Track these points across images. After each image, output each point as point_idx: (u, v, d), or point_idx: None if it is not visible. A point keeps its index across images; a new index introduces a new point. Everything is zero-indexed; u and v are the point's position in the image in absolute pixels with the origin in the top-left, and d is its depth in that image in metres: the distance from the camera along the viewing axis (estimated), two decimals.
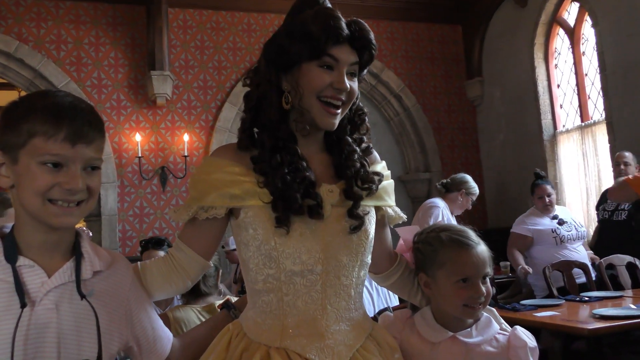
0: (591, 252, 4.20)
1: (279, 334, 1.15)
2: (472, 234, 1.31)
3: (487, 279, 1.29)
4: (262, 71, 1.21)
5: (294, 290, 1.15)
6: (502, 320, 1.35)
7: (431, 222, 3.54)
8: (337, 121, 1.20)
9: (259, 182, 1.16)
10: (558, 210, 4.07)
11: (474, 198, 3.96)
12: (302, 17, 1.18)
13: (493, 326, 1.30)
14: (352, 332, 1.19)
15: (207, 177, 1.20)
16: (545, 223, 3.95)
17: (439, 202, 3.80)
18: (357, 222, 1.18)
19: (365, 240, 1.21)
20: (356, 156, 1.24)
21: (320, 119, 1.18)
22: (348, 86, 1.18)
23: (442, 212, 3.72)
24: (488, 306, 1.33)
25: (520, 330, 1.28)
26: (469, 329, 1.28)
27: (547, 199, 3.97)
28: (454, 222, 3.66)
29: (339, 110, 1.19)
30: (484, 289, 1.26)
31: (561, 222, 3.96)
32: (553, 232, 3.90)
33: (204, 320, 2.02)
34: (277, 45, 1.20)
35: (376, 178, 1.25)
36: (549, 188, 4.02)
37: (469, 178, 3.95)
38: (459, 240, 1.29)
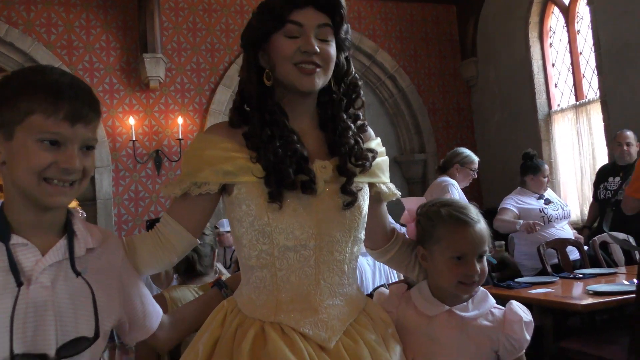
0: (575, 231, 4.22)
1: (273, 309, 1.16)
2: (472, 211, 1.30)
3: (484, 258, 1.28)
4: (244, 53, 1.25)
5: (287, 266, 1.16)
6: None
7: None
8: (317, 81, 1.18)
9: (252, 157, 1.17)
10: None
11: (473, 166, 3.88)
12: None
13: (489, 300, 1.31)
14: (345, 307, 1.20)
15: (200, 153, 1.20)
16: (533, 203, 3.98)
17: (451, 180, 3.74)
18: (350, 198, 1.18)
19: (359, 216, 1.22)
20: (350, 133, 1.23)
21: (298, 82, 1.17)
22: (316, 48, 1.16)
23: (457, 188, 3.67)
24: (482, 288, 1.33)
25: (516, 305, 1.29)
26: (465, 303, 1.29)
27: (547, 180, 4.04)
28: (463, 197, 3.62)
29: (318, 70, 1.18)
30: (478, 267, 1.25)
31: (547, 202, 3.99)
32: (541, 211, 3.92)
33: None
34: (248, 24, 1.23)
35: (370, 155, 1.25)
36: (547, 169, 4.08)
37: (460, 150, 3.90)
38: (457, 216, 1.27)
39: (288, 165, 1.14)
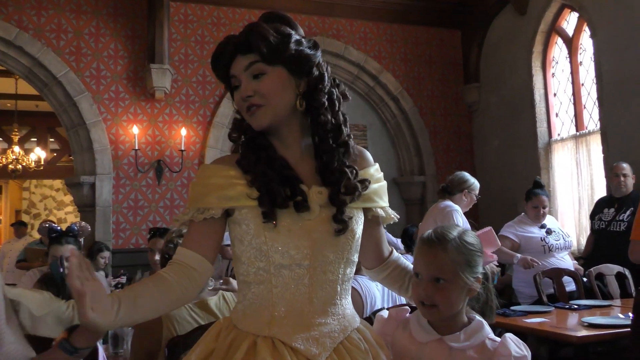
0: (575, 262, 4.22)
1: (267, 323, 1.21)
2: (447, 236, 1.29)
3: (447, 284, 1.26)
4: None
5: (282, 283, 1.21)
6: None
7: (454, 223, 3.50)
8: (261, 119, 1.25)
9: (248, 181, 1.23)
10: (546, 219, 4.09)
11: (477, 192, 3.86)
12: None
13: (483, 332, 1.29)
14: (337, 325, 1.24)
15: (204, 181, 1.27)
16: (534, 231, 3.96)
17: (455, 206, 3.69)
18: (341, 226, 1.23)
19: (352, 240, 1.27)
20: (336, 164, 1.27)
21: (250, 123, 1.28)
22: (245, 91, 1.25)
23: (461, 214, 3.62)
24: (478, 317, 1.32)
25: (510, 339, 1.27)
26: (457, 333, 1.29)
27: (541, 210, 3.97)
28: (467, 224, 3.62)
29: (260, 108, 1.24)
30: (432, 290, 1.25)
31: (549, 232, 3.97)
32: (542, 240, 3.92)
33: (196, 317, 2.02)
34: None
35: (360, 186, 1.28)
36: (545, 200, 4.01)
37: (467, 176, 3.86)
38: (426, 237, 1.31)
39: (278, 184, 1.21)
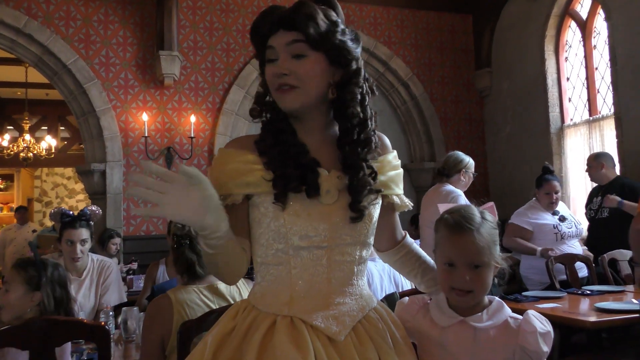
0: (585, 248, 4.18)
1: (286, 303, 1.21)
2: (475, 219, 1.27)
3: (484, 268, 1.25)
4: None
5: (301, 264, 1.22)
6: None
7: None
8: (292, 101, 1.23)
9: (264, 164, 1.23)
10: (559, 206, 4.04)
11: (473, 171, 3.76)
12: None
13: (505, 311, 1.29)
14: (355, 304, 1.25)
15: (222, 167, 1.25)
16: (547, 218, 3.91)
17: (458, 190, 3.60)
18: (356, 214, 1.24)
19: (369, 224, 1.28)
20: (357, 157, 1.26)
21: (279, 102, 1.25)
22: (282, 69, 1.21)
23: (464, 199, 3.52)
24: (497, 298, 1.32)
25: (533, 315, 1.26)
26: (479, 314, 1.27)
27: (554, 196, 3.91)
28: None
29: (293, 90, 1.21)
30: (469, 277, 1.24)
31: (562, 219, 3.92)
32: (555, 227, 3.88)
33: (206, 300, 2.00)
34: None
35: (370, 179, 1.27)
36: (557, 185, 3.94)
37: (462, 155, 3.73)
38: (453, 222, 1.28)
39: (292, 168, 1.20)
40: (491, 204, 1.40)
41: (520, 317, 1.27)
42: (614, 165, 4.47)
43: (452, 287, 1.25)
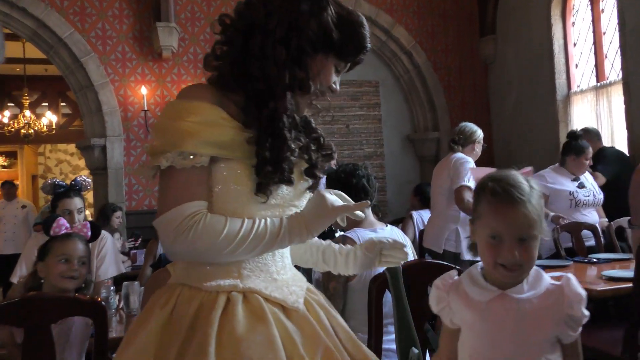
0: (605, 219, 4.10)
1: (237, 277, 1.16)
2: (524, 190, 1.16)
3: (532, 241, 1.15)
4: (298, 30, 1.17)
5: None
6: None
7: (466, 178, 3.39)
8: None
9: (248, 137, 1.13)
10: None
11: (481, 139, 3.76)
12: (353, 18, 1.22)
13: (544, 278, 1.20)
14: (295, 274, 1.28)
15: (189, 118, 1.11)
16: (565, 183, 3.83)
17: (468, 157, 3.55)
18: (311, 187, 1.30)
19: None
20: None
21: (306, 109, 1.28)
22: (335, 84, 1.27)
23: (472, 166, 3.51)
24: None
25: (574, 281, 1.17)
26: (519, 285, 1.18)
27: (586, 163, 3.86)
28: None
29: (314, 99, 1.27)
30: (517, 252, 1.14)
31: (581, 186, 3.84)
32: (570, 194, 3.80)
33: None
34: (322, 25, 1.18)
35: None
36: (591, 151, 3.90)
37: (474, 127, 3.73)
38: (501, 193, 1.16)
39: (289, 162, 1.16)
40: (530, 168, 1.32)
41: (558, 282, 1.19)
42: (600, 138, 4.61)
43: (499, 262, 1.16)
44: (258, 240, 1.12)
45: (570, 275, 1.19)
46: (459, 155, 3.56)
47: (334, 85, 1.25)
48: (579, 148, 3.87)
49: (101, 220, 4.82)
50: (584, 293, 1.17)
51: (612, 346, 2.45)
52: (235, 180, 1.13)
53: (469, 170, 3.42)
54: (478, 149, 3.68)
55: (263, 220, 1.14)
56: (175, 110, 1.13)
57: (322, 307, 1.24)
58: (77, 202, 2.80)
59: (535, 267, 1.20)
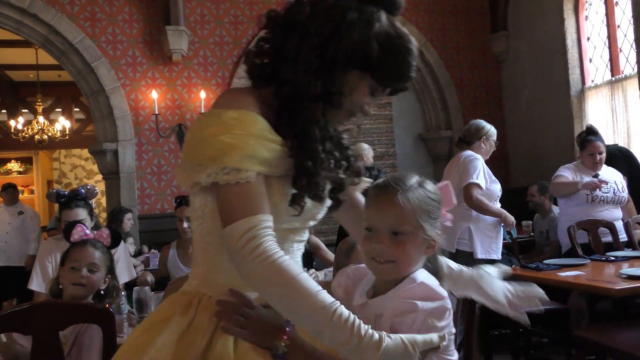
0: (638, 216, 4.00)
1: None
2: (405, 181, 1.11)
3: (406, 237, 1.08)
4: (339, 40, 1.08)
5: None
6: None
7: (474, 175, 3.35)
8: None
9: (288, 150, 1.07)
10: (604, 169, 3.88)
11: (495, 139, 3.69)
12: (401, 42, 1.12)
13: (415, 293, 1.08)
14: None
15: (244, 131, 1.04)
16: (584, 179, 3.79)
17: (476, 154, 3.51)
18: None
19: None
20: None
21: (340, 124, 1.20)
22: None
23: (482, 163, 3.45)
24: (421, 278, 1.11)
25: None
26: (383, 295, 1.10)
27: (597, 157, 3.79)
28: (490, 174, 3.47)
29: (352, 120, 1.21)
30: (386, 245, 1.07)
31: (601, 182, 3.80)
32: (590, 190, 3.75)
33: None
34: (364, 40, 1.08)
35: None
36: (601, 146, 3.82)
37: (483, 123, 3.67)
38: (381, 185, 1.12)
39: (323, 178, 1.11)
40: (447, 182, 1.26)
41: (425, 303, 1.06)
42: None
43: (370, 255, 1.09)
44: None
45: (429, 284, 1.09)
46: (468, 152, 3.51)
47: (366, 107, 1.15)
48: (582, 142, 3.88)
49: (114, 224, 4.84)
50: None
51: (632, 346, 2.39)
52: (269, 193, 1.07)
53: (479, 168, 3.37)
54: (487, 145, 3.61)
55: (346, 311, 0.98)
56: (219, 120, 1.05)
57: None
58: (78, 213, 2.74)
59: (422, 282, 1.09)
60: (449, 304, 1.07)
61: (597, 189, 3.67)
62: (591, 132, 3.91)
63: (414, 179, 1.13)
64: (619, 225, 3.74)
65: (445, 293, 1.08)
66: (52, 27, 5.32)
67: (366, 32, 1.07)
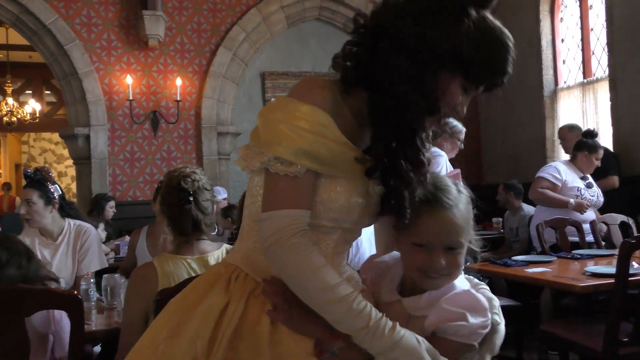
0: (605, 216, 4.10)
1: None
2: (452, 191, 1.10)
3: (460, 251, 1.09)
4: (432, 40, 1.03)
5: (315, 238, 1.13)
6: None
7: (436, 171, 3.37)
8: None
9: (357, 156, 1.06)
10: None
11: (461, 137, 3.66)
12: (496, 37, 1.10)
13: (461, 299, 1.08)
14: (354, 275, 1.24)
15: (287, 125, 1.03)
16: (575, 179, 3.83)
17: (441, 151, 3.50)
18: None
19: None
20: None
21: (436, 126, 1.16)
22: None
23: (445, 161, 3.46)
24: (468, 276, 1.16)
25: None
26: (418, 296, 1.11)
27: (597, 162, 3.86)
28: (451, 169, 3.48)
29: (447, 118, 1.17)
30: (444, 261, 1.06)
31: (589, 185, 3.85)
32: (578, 190, 3.79)
33: (193, 274, 1.83)
34: (454, 40, 1.04)
35: None
36: (602, 153, 3.90)
37: (449, 119, 3.71)
38: (426, 198, 1.09)
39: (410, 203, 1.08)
40: (457, 171, 1.27)
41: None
42: None
43: (420, 268, 1.09)
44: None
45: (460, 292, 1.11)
46: (434, 149, 3.52)
47: (459, 107, 1.11)
48: (593, 146, 3.87)
49: (95, 212, 4.76)
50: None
51: (593, 340, 2.46)
52: (322, 189, 1.07)
53: (441, 164, 3.37)
54: (449, 143, 3.60)
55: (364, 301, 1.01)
56: (286, 109, 1.04)
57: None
58: (26, 192, 2.74)
59: (467, 291, 1.10)
60: (489, 316, 1.08)
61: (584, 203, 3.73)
62: (593, 135, 3.93)
63: (452, 185, 1.13)
64: (586, 225, 3.83)
65: (486, 304, 1.08)
66: (24, 6, 5.18)
67: (455, 31, 1.03)
